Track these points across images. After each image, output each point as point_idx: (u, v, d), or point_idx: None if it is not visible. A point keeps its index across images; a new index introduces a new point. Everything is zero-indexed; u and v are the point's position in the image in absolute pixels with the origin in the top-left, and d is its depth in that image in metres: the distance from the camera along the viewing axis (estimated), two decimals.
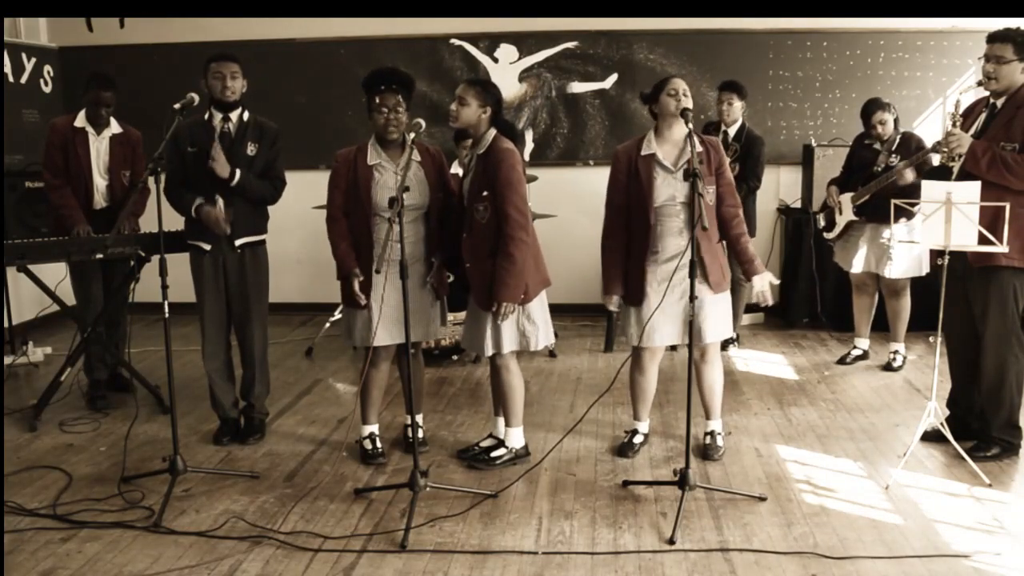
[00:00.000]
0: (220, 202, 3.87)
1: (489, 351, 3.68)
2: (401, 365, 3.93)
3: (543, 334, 3.72)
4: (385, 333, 3.71)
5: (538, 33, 6.54)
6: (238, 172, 3.89)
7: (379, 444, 3.93)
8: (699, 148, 3.59)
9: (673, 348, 5.65)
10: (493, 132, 3.63)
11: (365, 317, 3.72)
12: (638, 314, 3.71)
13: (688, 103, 3.54)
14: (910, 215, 4.65)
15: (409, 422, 4.05)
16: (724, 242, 3.77)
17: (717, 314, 3.68)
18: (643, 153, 3.65)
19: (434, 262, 3.78)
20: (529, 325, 3.68)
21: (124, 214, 4.24)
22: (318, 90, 6.70)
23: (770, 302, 3.72)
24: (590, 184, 6.60)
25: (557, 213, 6.12)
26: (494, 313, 3.60)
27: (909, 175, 4.70)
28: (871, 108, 4.98)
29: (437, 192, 3.74)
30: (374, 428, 3.96)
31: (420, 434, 4.02)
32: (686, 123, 3.46)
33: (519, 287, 3.56)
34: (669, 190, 3.60)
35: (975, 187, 3.46)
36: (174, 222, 3.99)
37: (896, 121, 4.99)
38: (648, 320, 3.66)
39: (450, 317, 5.22)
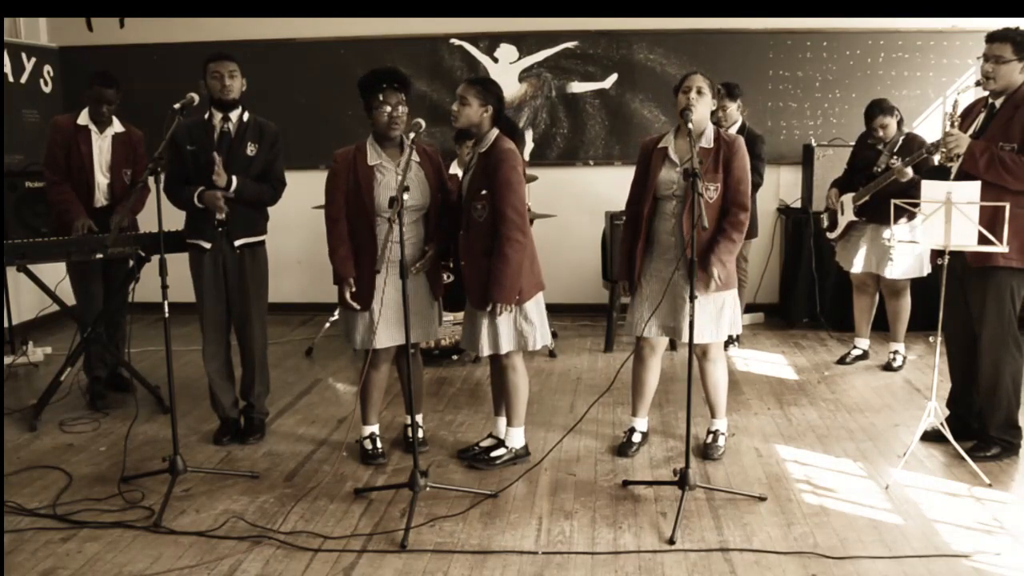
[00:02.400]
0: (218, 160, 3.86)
1: (486, 351, 3.68)
2: (400, 366, 3.93)
3: (540, 334, 3.72)
4: (386, 335, 3.70)
5: (538, 33, 6.54)
6: (235, 180, 3.89)
7: (379, 444, 3.93)
8: (709, 145, 3.61)
9: (673, 348, 5.67)
10: (496, 132, 3.63)
11: (366, 319, 3.71)
12: (631, 304, 3.78)
13: (700, 101, 3.53)
14: (912, 215, 4.64)
15: (409, 422, 4.06)
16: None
17: (703, 315, 3.62)
18: (659, 146, 3.69)
19: (427, 250, 3.74)
20: (527, 325, 3.68)
21: (122, 209, 4.24)
22: (318, 90, 6.70)
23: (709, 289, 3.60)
24: (590, 184, 6.61)
25: (557, 213, 6.12)
26: (490, 312, 3.60)
27: (909, 171, 4.70)
28: (873, 111, 4.98)
29: (437, 193, 3.74)
30: (374, 428, 3.95)
31: (420, 434, 4.02)
32: (685, 123, 3.46)
33: (514, 288, 3.56)
34: (670, 184, 3.62)
35: (975, 187, 3.46)
36: (174, 222, 3.99)
37: (900, 123, 4.99)
38: (639, 310, 3.72)
39: (450, 317, 5.25)
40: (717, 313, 3.70)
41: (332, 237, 3.69)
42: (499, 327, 3.63)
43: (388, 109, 3.60)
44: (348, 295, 3.67)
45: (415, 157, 3.64)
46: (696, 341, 3.57)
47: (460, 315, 4.78)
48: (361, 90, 3.66)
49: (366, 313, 3.70)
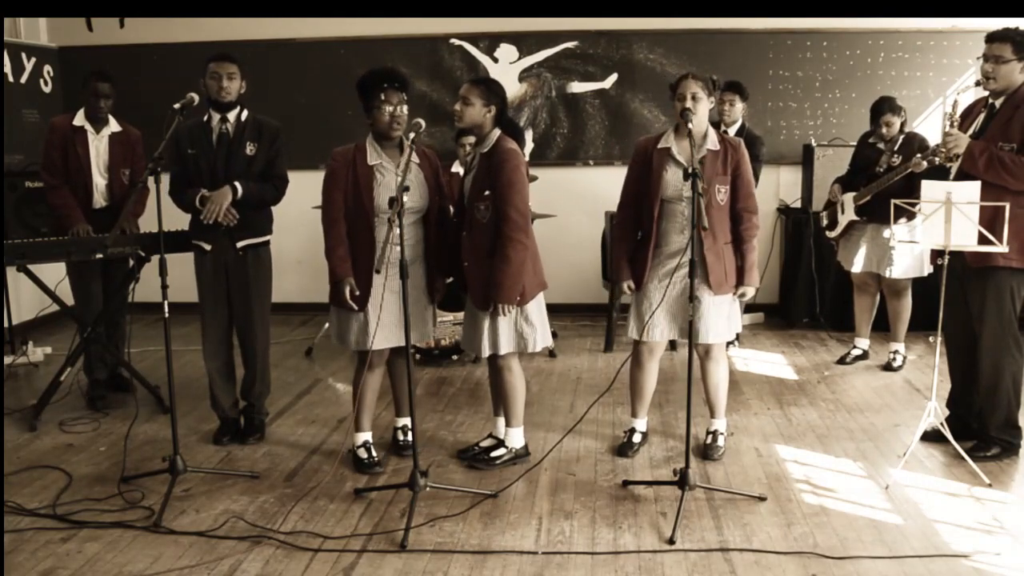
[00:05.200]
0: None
1: (486, 352, 3.67)
2: (395, 367, 3.91)
3: (540, 336, 3.71)
4: (382, 336, 3.65)
5: (538, 33, 6.54)
6: (239, 188, 3.89)
7: (374, 452, 3.85)
8: (716, 147, 3.62)
9: (673, 347, 5.67)
10: (497, 132, 3.62)
11: (361, 320, 3.67)
12: (638, 308, 3.74)
13: (697, 106, 3.53)
14: (912, 215, 4.64)
15: (399, 425, 4.06)
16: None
17: (716, 315, 3.66)
18: (660, 146, 3.68)
19: (437, 286, 3.79)
20: (527, 327, 3.67)
21: (125, 213, 4.24)
22: (318, 90, 6.69)
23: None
24: (590, 184, 6.62)
25: (557, 213, 6.12)
26: (492, 313, 3.59)
27: (925, 163, 4.67)
28: (881, 108, 4.98)
29: (435, 194, 3.73)
30: (367, 436, 3.86)
31: (410, 437, 3.97)
32: (685, 123, 3.46)
33: (515, 288, 3.56)
34: (676, 185, 3.61)
35: (975, 187, 3.46)
36: (174, 222, 3.99)
37: (903, 123, 4.98)
38: (645, 313, 3.70)
39: (451, 317, 5.25)
40: (728, 311, 3.73)
41: (330, 237, 3.64)
42: (499, 328, 3.62)
43: (390, 109, 3.55)
44: (348, 293, 3.62)
45: (414, 158, 3.62)
46: (709, 341, 3.64)
47: (460, 315, 4.79)
48: (361, 90, 3.60)
49: (361, 314, 3.66)
